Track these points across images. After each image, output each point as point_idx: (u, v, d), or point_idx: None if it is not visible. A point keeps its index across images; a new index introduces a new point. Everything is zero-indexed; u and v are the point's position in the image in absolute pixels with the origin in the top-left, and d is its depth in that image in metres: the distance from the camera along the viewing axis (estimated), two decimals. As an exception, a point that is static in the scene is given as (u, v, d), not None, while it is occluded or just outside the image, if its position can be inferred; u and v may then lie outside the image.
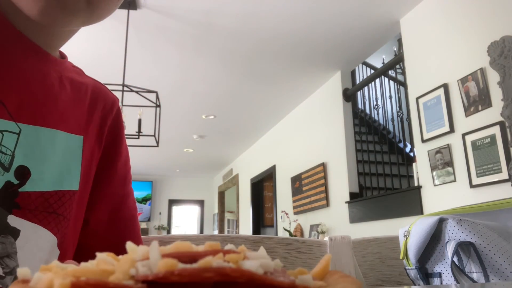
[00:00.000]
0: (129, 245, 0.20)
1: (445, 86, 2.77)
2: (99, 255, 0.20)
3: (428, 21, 3.01)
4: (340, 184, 4.22)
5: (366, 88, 4.44)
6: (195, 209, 11.07)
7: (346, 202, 4.05)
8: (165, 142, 6.77)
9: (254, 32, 3.53)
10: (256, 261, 0.18)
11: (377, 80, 4.37)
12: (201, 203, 11.02)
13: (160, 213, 10.43)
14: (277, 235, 5.67)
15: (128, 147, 0.65)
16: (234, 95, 5.00)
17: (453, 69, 2.73)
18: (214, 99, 5.12)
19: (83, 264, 0.19)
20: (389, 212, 3.39)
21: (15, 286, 0.18)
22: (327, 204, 4.41)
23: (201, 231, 10.73)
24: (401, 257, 0.71)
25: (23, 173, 0.46)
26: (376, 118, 4.86)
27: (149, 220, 10.22)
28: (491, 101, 2.41)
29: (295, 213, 5.21)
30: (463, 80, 2.62)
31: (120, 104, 0.65)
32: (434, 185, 2.82)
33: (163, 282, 0.16)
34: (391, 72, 4.42)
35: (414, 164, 3.19)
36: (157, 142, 3.30)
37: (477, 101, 2.51)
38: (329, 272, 0.21)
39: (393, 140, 4.82)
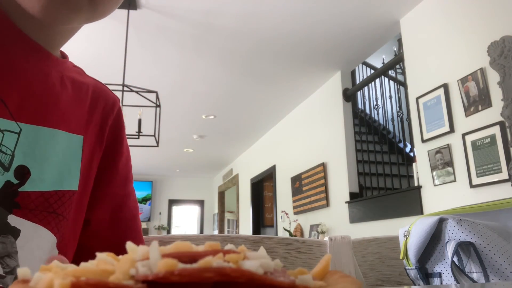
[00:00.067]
0: (129, 245, 0.20)
1: (445, 86, 2.77)
2: (99, 255, 0.20)
3: (428, 21, 3.01)
4: (340, 184, 4.22)
5: (366, 88, 4.44)
6: (195, 209, 11.07)
7: (346, 202, 4.05)
8: (165, 142, 6.77)
9: (254, 32, 3.53)
10: (256, 261, 0.18)
11: (377, 80, 4.37)
12: (201, 203, 11.02)
13: (160, 213, 10.43)
14: (277, 235, 5.68)
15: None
16: (234, 95, 5.00)
17: (453, 69, 2.73)
18: (214, 99, 5.12)
19: (83, 264, 0.19)
20: (389, 212, 3.39)
21: (15, 286, 0.18)
22: (327, 204, 4.41)
23: (201, 231, 10.73)
24: (401, 257, 0.71)
25: (23, 173, 0.46)
26: (376, 118, 4.86)
27: (149, 220, 10.22)
28: (491, 101, 2.41)
29: (295, 213, 5.21)
30: (463, 80, 2.62)
31: (120, 104, 0.65)
32: (434, 185, 2.82)
33: (163, 282, 0.16)
34: (391, 72, 4.42)
35: (414, 164, 3.19)
36: (157, 142, 3.30)
37: (477, 101, 2.51)
38: (329, 272, 0.21)
39: (393, 140, 4.82)
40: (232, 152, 8.08)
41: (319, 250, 0.87)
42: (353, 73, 4.53)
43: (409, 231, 0.70)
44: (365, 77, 5.14)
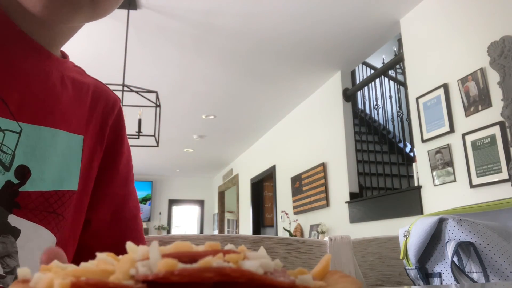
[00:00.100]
0: (129, 245, 0.20)
1: (445, 86, 2.77)
2: (99, 255, 0.20)
3: (428, 21, 3.01)
4: (340, 184, 4.22)
5: (366, 88, 4.44)
6: (195, 209, 11.07)
7: (346, 202, 4.05)
8: (165, 142, 6.77)
9: (254, 32, 3.53)
10: (256, 261, 0.18)
11: (377, 80, 4.37)
12: (201, 203, 11.02)
13: (160, 213, 10.43)
14: (277, 235, 5.68)
15: None
16: (234, 95, 5.00)
17: (453, 69, 2.73)
18: (214, 99, 5.12)
19: (83, 264, 0.19)
20: (389, 212, 3.39)
21: (15, 286, 0.18)
22: (327, 204, 4.41)
23: (201, 231, 10.73)
24: (401, 257, 0.71)
25: (23, 173, 0.46)
26: (376, 118, 4.86)
27: (149, 220, 10.22)
28: (491, 101, 2.41)
29: (295, 213, 5.21)
30: (463, 80, 2.62)
31: (121, 104, 0.65)
32: (434, 185, 2.82)
33: (163, 282, 0.16)
34: (391, 72, 4.42)
35: (414, 164, 3.19)
36: (157, 142, 3.30)
37: (477, 101, 2.51)
38: (329, 272, 0.21)
39: (393, 140, 4.82)
40: (232, 152, 8.08)
41: (319, 250, 0.87)
42: (353, 73, 4.53)
43: (409, 231, 0.70)
44: (365, 77, 5.15)
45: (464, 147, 2.56)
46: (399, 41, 4.43)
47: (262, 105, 5.38)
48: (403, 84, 3.95)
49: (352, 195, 4.05)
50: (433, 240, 0.67)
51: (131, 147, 0.67)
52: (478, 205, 0.68)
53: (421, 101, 2.98)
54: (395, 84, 4.43)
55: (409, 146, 4.41)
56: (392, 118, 4.15)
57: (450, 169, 2.67)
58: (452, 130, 2.67)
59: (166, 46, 3.74)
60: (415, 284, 0.69)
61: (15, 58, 0.48)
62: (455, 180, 2.63)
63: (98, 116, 0.58)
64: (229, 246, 0.20)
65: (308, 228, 4.86)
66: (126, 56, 3.22)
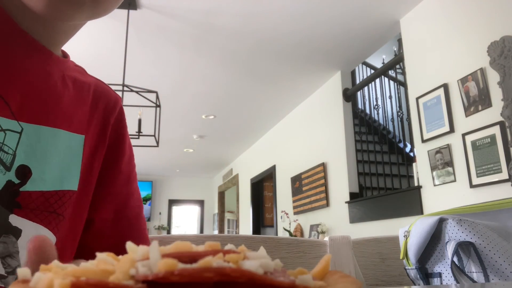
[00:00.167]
0: (129, 245, 0.20)
1: (445, 86, 2.77)
2: (99, 255, 0.20)
3: (428, 21, 3.01)
4: (340, 184, 4.22)
5: (366, 88, 4.44)
6: (195, 209, 11.07)
7: (346, 202, 4.05)
8: (165, 142, 6.77)
9: (254, 32, 3.53)
10: (256, 261, 0.18)
11: (377, 80, 4.37)
12: (201, 203, 11.02)
13: (160, 213, 10.43)
14: (277, 235, 5.68)
15: None
16: (234, 95, 5.00)
17: (453, 69, 2.73)
18: (214, 99, 5.12)
19: (83, 264, 0.19)
20: (389, 212, 3.39)
21: (15, 286, 0.18)
22: (327, 204, 4.41)
23: (201, 231, 10.73)
24: (401, 257, 0.71)
25: (24, 173, 0.46)
26: (376, 118, 4.86)
27: (149, 220, 10.22)
28: (491, 101, 2.41)
29: (295, 213, 5.21)
30: (463, 80, 2.62)
31: (122, 103, 0.65)
32: (434, 185, 2.82)
33: (163, 282, 0.16)
34: (391, 72, 4.43)
35: (414, 164, 3.19)
36: (157, 142, 3.30)
37: (477, 101, 2.51)
38: (329, 272, 0.21)
39: (393, 140, 4.82)
40: (232, 152, 8.08)
41: (319, 250, 0.87)
42: (353, 73, 4.53)
43: (409, 231, 0.70)
44: (365, 77, 5.15)
45: (464, 147, 2.56)
46: (399, 41, 4.43)
47: (262, 105, 5.38)
48: (403, 84, 3.95)
49: (352, 195, 4.05)
50: (433, 240, 0.67)
51: (131, 147, 0.67)
52: (478, 205, 0.68)
53: (421, 101, 2.98)
54: (395, 84, 4.43)
55: (409, 146, 4.41)
56: (392, 118, 4.15)
57: (450, 169, 2.67)
58: (452, 130, 2.67)
59: (166, 46, 3.74)
60: (415, 284, 0.69)
61: (16, 58, 0.48)
62: (455, 180, 2.63)
63: (99, 115, 0.58)
64: (229, 246, 0.20)
65: (308, 228, 4.86)
66: (126, 56, 3.22)
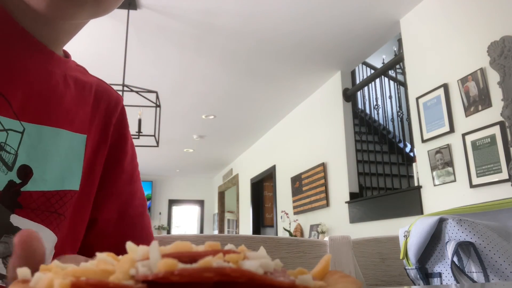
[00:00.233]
0: (129, 245, 0.20)
1: (445, 86, 2.77)
2: (99, 255, 0.20)
3: (428, 21, 3.01)
4: (340, 184, 4.22)
5: (366, 88, 4.44)
6: (195, 209, 11.07)
7: (346, 202, 4.05)
8: (165, 142, 6.77)
9: (254, 32, 3.53)
10: (256, 261, 0.18)
11: (377, 80, 4.37)
12: (201, 203, 11.02)
13: (160, 213, 10.43)
14: (277, 235, 5.68)
15: None
16: (234, 95, 5.00)
17: (453, 69, 2.73)
18: (214, 99, 5.12)
19: (83, 264, 0.19)
20: (389, 212, 3.39)
21: (15, 286, 0.18)
22: (327, 204, 4.41)
23: (201, 231, 10.73)
24: (401, 257, 0.71)
25: (26, 173, 0.46)
26: (376, 118, 4.86)
27: (149, 220, 10.20)
28: (491, 101, 2.41)
29: (295, 213, 5.21)
30: (463, 80, 2.62)
31: (123, 103, 0.65)
32: (434, 185, 2.82)
33: (163, 282, 0.16)
34: (391, 72, 4.43)
35: (414, 164, 3.19)
36: (157, 142, 3.30)
37: (477, 101, 2.51)
38: (329, 272, 0.21)
39: (393, 140, 4.82)
40: (232, 152, 8.08)
41: (319, 250, 0.87)
42: (353, 73, 4.53)
43: (409, 231, 0.70)
44: (365, 77, 5.15)
45: (464, 147, 2.56)
46: (399, 41, 4.43)
47: (262, 105, 5.38)
48: (403, 84, 3.95)
49: (352, 195, 4.05)
50: (433, 240, 0.67)
51: (131, 147, 0.67)
52: (478, 205, 0.68)
53: (421, 101, 2.98)
54: (395, 84, 4.43)
55: (409, 146, 4.41)
56: (392, 118, 4.15)
57: (450, 169, 2.67)
58: (452, 130, 2.67)
59: (166, 46, 3.74)
60: (415, 284, 0.69)
61: (18, 57, 0.48)
62: (455, 180, 2.63)
63: (101, 115, 0.58)
64: (229, 246, 0.20)
65: (308, 228, 4.86)
66: (126, 56, 3.22)
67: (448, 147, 2.70)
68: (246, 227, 7.78)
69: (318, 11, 3.23)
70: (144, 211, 0.62)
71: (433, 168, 2.82)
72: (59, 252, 0.50)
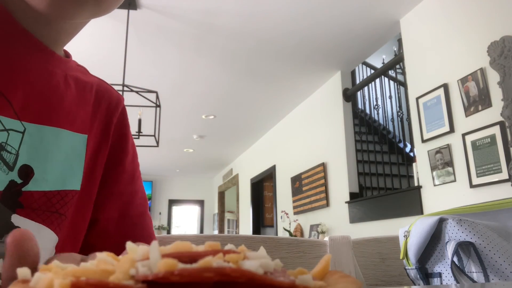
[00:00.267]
0: (129, 245, 0.20)
1: (445, 86, 2.77)
2: (99, 255, 0.20)
3: (428, 21, 3.01)
4: (340, 184, 4.22)
5: (366, 88, 4.44)
6: (195, 209, 11.07)
7: (346, 202, 4.05)
8: (165, 142, 6.77)
9: (254, 32, 3.53)
10: (256, 261, 0.18)
11: (377, 80, 4.37)
12: (201, 203, 11.02)
13: (160, 213, 10.43)
14: (277, 235, 5.68)
15: None
16: (234, 95, 5.00)
17: (453, 69, 2.73)
18: (214, 99, 5.12)
19: (83, 264, 0.19)
20: (389, 212, 3.39)
21: (15, 286, 0.18)
22: (327, 204, 4.41)
23: (201, 231, 10.73)
24: (401, 257, 0.71)
25: (27, 173, 0.46)
26: (376, 118, 4.86)
27: (149, 220, 10.21)
28: (491, 101, 2.41)
29: (295, 213, 5.21)
30: (463, 80, 2.62)
31: (124, 103, 0.65)
32: (434, 185, 2.82)
33: (163, 282, 0.16)
34: (391, 72, 4.43)
35: (414, 164, 3.19)
36: (157, 142, 3.30)
37: (477, 101, 2.51)
38: (329, 272, 0.21)
39: (393, 140, 4.82)
40: (232, 152, 8.08)
41: (319, 250, 0.87)
42: (353, 73, 4.53)
43: (409, 231, 0.70)
44: (365, 77, 5.15)
45: (464, 147, 2.56)
46: (399, 41, 4.43)
47: (262, 105, 5.38)
48: (403, 84, 3.95)
49: (352, 195, 4.05)
50: (433, 240, 0.67)
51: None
52: (478, 205, 0.68)
53: (421, 101, 2.98)
54: (395, 84, 4.43)
55: (409, 146, 4.41)
56: (392, 118, 4.15)
57: (450, 169, 2.67)
58: (452, 130, 2.67)
59: (166, 46, 3.74)
60: (415, 284, 0.69)
61: (19, 57, 0.48)
62: (455, 180, 2.63)
63: (102, 115, 0.58)
64: (229, 246, 0.20)
65: (308, 228, 4.86)
66: (126, 56, 3.22)
67: (448, 147, 2.70)
68: (246, 227, 7.78)
69: (318, 11, 3.23)
70: (145, 211, 0.62)
71: (433, 168, 2.82)
72: (60, 252, 0.50)
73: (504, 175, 2.28)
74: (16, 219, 0.45)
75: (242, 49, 3.83)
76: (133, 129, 3.49)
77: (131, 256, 0.19)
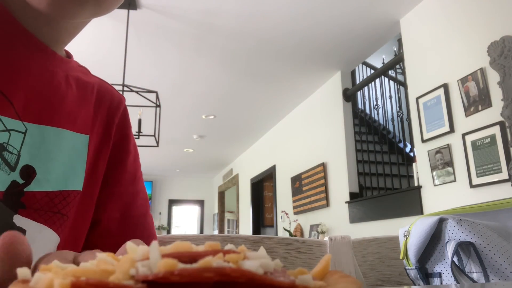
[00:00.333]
0: (129, 245, 0.20)
1: (445, 86, 2.77)
2: (99, 255, 0.20)
3: (428, 21, 3.01)
4: (340, 184, 4.22)
5: (366, 88, 4.44)
6: (195, 209, 11.07)
7: (346, 202, 4.05)
8: (165, 142, 6.77)
9: (254, 32, 3.53)
10: (256, 261, 0.18)
11: (377, 80, 4.37)
12: (201, 203, 11.02)
13: (160, 213, 10.44)
14: (277, 235, 5.67)
15: None
16: (234, 95, 5.00)
17: (453, 69, 2.73)
18: (214, 99, 5.12)
19: (83, 264, 0.19)
20: (389, 212, 3.39)
21: (15, 286, 0.18)
22: (327, 204, 4.41)
23: (201, 231, 10.73)
24: (401, 257, 0.71)
25: (28, 173, 0.46)
26: (376, 118, 4.86)
27: (149, 220, 10.21)
28: (491, 101, 2.41)
29: (295, 213, 5.21)
30: (463, 80, 2.62)
31: (125, 103, 0.65)
32: (434, 185, 2.82)
33: (163, 282, 0.16)
34: (391, 72, 4.43)
35: (414, 164, 3.19)
36: (157, 142, 3.30)
37: (477, 101, 2.51)
38: (329, 272, 0.21)
39: (393, 140, 4.82)
40: (232, 152, 8.08)
41: (319, 250, 0.87)
42: (353, 73, 4.53)
43: (409, 231, 0.70)
44: (365, 77, 5.15)
45: (464, 147, 2.56)
46: (399, 41, 4.43)
47: (262, 105, 5.38)
48: (403, 84, 3.95)
49: (352, 195, 4.05)
50: (433, 240, 0.67)
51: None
52: (478, 205, 0.68)
53: (421, 101, 2.98)
54: (395, 84, 4.43)
55: (409, 146, 4.41)
56: (392, 118, 4.15)
57: (450, 169, 2.67)
58: (452, 130, 2.67)
59: (166, 46, 3.74)
60: (415, 284, 0.69)
61: (20, 58, 0.48)
62: (455, 180, 2.63)
63: (103, 115, 0.58)
64: (229, 246, 0.20)
65: (308, 228, 4.86)
66: (126, 56, 3.22)
67: (448, 147, 2.70)
68: (246, 227, 7.78)
69: (318, 11, 3.23)
70: (147, 211, 0.62)
71: (433, 168, 2.82)
72: None
73: (504, 175, 2.28)
74: (18, 219, 0.45)
75: (242, 49, 3.83)
76: (133, 129, 3.48)
77: (131, 256, 0.19)
